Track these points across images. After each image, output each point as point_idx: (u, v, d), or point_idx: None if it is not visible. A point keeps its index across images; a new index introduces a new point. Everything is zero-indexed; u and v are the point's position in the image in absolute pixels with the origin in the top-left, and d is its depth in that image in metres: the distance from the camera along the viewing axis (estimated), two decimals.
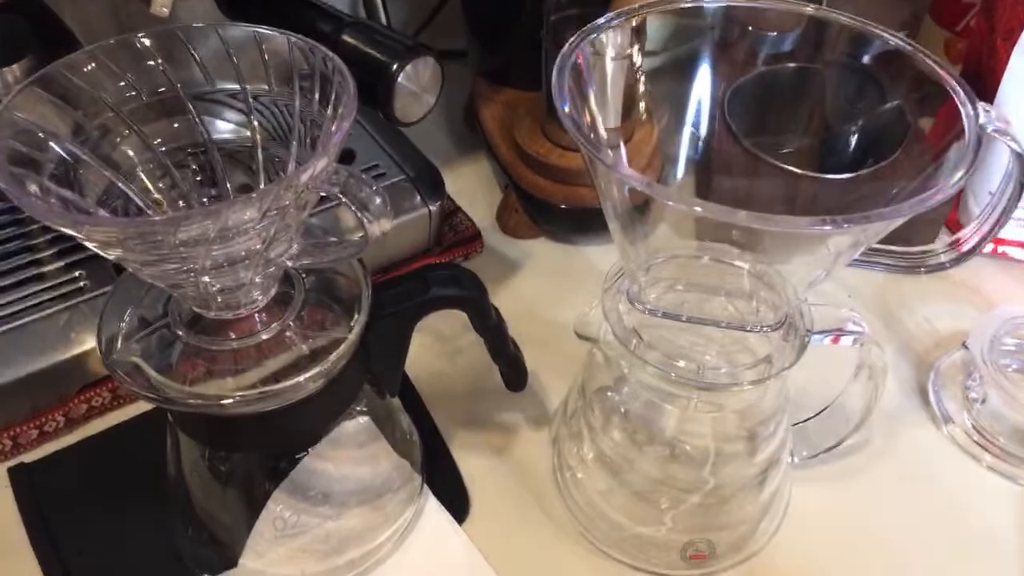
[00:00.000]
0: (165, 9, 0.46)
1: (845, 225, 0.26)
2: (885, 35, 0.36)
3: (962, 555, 0.43)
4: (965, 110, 0.31)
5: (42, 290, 0.46)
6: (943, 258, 0.37)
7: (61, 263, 0.47)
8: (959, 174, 0.29)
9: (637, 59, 0.44)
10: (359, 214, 0.28)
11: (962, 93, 0.32)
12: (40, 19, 0.45)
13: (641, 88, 0.50)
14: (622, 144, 0.45)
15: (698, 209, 0.27)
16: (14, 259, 0.47)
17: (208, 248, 0.28)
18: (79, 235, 0.26)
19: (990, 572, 0.42)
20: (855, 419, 0.43)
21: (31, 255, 0.47)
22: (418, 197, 0.54)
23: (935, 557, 0.43)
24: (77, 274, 0.47)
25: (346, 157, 0.55)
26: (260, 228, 0.28)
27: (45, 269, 0.47)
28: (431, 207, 0.54)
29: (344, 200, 0.28)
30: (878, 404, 0.42)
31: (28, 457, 0.45)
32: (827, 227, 0.26)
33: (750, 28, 0.46)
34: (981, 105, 0.31)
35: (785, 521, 0.44)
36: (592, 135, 0.35)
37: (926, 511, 0.44)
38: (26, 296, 0.46)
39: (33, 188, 0.28)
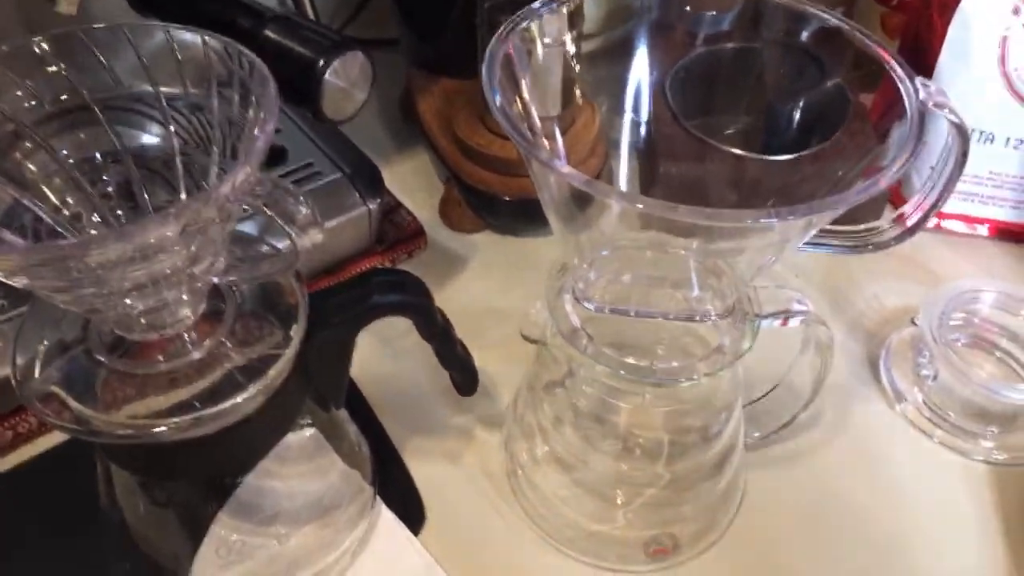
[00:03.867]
0: (72, 8, 0.43)
1: (790, 218, 0.25)
2: (822, 14, 0.35)
3: (917, 530, 0.43)
4: (904, 87, 0.31)
5: None
6: (888, 235, 0.37)
7: None
8: (904, 155, 0.28)
9: (571, 46, 0.43)
10: (286, 227, 0.26)
11: (900, 70, 0.32)
12: None
13: (578, 74, 0.49)
14: (558, 135, 0.44)
15: (639, 206, 0.26)
16: None
17: (125, 270, 0.26)
18: None
19: (945, 547, 0.42)
20: (804, 397, 0.43)
21: None
22: (356, 195, 0.52)
23: (891, 533, 0.43)
24: None
25: (278, 156, 0.53)
26: (181, 245, 0.27)
27: None
28: (370, 205, 0.52)
29: (269, 213, 0.26)
30: (826, 380, 0.41)
31: None
32: (772, 219, 0.25)
33: (687, 8, 0.45)
34: (919, 80, 0.31)
35: (743, 505, 0.43)
36: (527, 127, 0.34)
37: (880, 488, 0.45)
38: None
39: None
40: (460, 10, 0.55)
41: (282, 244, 0.30)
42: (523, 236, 0.57)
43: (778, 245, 0.33)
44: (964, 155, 0.30)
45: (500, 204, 0.55)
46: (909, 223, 0.34)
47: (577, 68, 0.47)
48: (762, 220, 0.26)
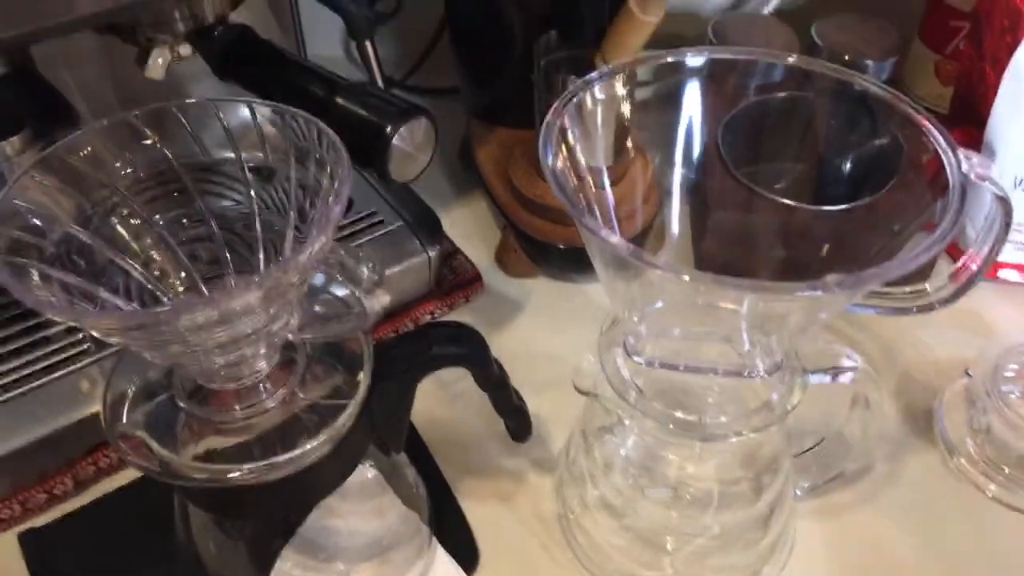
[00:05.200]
0: (160, 70, 0.46)
1: (835, 289, 0.26)
2: (865, 83, 0.36)
3: None
4: (947, 158, 0.32)
5: (46, 354, 0.46)
6: (932, 298, 0.37)
7: (64, 326, 0.47)
8: (946, 227, 0.29)
9: (625, 107, 0.44)
10: (356, 292, 0.28)
11: (942, 141, 0.32)
12: (36, 90, 0.46)
13: (633, 122, 0.50)
14: (608, 186, 0.45)
15: (685, 278, 0.27)
16: (18, 323, 0.47)
17: (210, 332, 0.28)
18: (80, 326, 0.27)
19: None
20: (855, 449, 0.43)
21: (35, 318, 0.48)
22: (417, 242, 0.54)
23: None
24: (81, 336, 0.47)
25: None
26: (262, 309, 0.29)
27: (49, 332, 0.47)
28: (430, 252, 0.54)
29: (340, 279, 0.28)
30: (874, 434, 0.42)
31: (38, 521, 0.45)
32: (817, 292, 0.27)
33: (739, 59, 0.46)
34: (962, 152, 0.32)
35: (792, 556, 0.44)
36: (575, 178, 0.35)
37: (932, 542, 0.44)
38: (31, 360, 0.46)
39: (34, 276, 0.28)
40: (518, 62, 0.57)
41: (348, 296, 0.32)
42: (577, 282, 0.59)
43: (826, 307, 0.33)
44: (1007, 226, 0.31)
45: (554, 252, 0.56)
46: (951, 290, 0.34)
47: (629, 117, 0.48)
48: (806, 293, 0.27)
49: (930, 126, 0.32)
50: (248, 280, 0.27)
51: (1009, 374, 0.49)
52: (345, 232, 0.55)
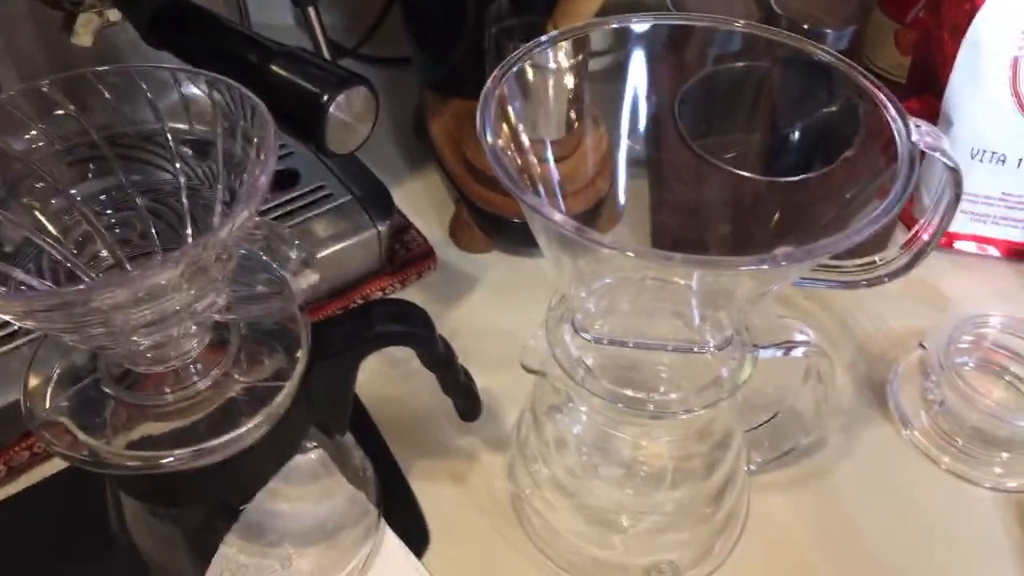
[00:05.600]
0: (87, 37, 0.44)
1: (783, 263, 0.26)
2: (814, 50, 0.35)
3: (924, 558, 0.43)
4: (896, 127, 0.31)
5: None
6: (880, 271, 0.37)
7: None
8: (893, 196, 0.28)
9: (572, 76, 0.43)
10: (282, 272, 0.27)
11: (892, 109, 0.31)
12: None
13: (583, 95, 0.49)
14: (552, 163, 0.44)
15: (630, 254, 0.26)
16: None
17: (130, 312, 0.27)
18: None
19: (952, 575, 0.42)
20: (808, 423, 0.43)
21: None
22: (366, 217, 0.53)
23: (896, 561, 0.43)
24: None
25: (290, 179, 0.54)
26: (184, 286, 0.27)
27: None
28: (380, 227, 0.52)
29: (265, 258, 0.26)
30: (827, 408, 0.41)
31: None
32: (764, 266, 0.26)
33: (694, 28, 0.45)
34: (913, 121, 0.31)
35: (745, 531, 0.44)
36: (519, 163, 0.34)
37: (886, 514, 0.44)
38: None
39: None
40: (470, 32, 0.56)
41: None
42: (532, 256, 0.58)
43: (776, 281, 0.33)
44: (958, 196, 0.30)
45: (509, 225, 0.55)
46: (902, 262, 0.34)
47: (579, 88, 0.47)
48: (754, 267, 0.26)
49: (881, 95, 0.31)
50: (166, 257, 0.25)
51: (963, 345, 0.49)
52: (293, 206, 0.53)
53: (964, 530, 0.44)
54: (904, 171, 0.28)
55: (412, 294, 0.55)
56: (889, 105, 0.30)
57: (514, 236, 0.57)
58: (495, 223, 0.56)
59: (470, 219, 0.57)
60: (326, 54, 0.50)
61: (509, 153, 0.33)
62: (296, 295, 0.28)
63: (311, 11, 0.50)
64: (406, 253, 0.56)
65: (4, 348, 0.44)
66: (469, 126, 0.57)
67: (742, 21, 0.36)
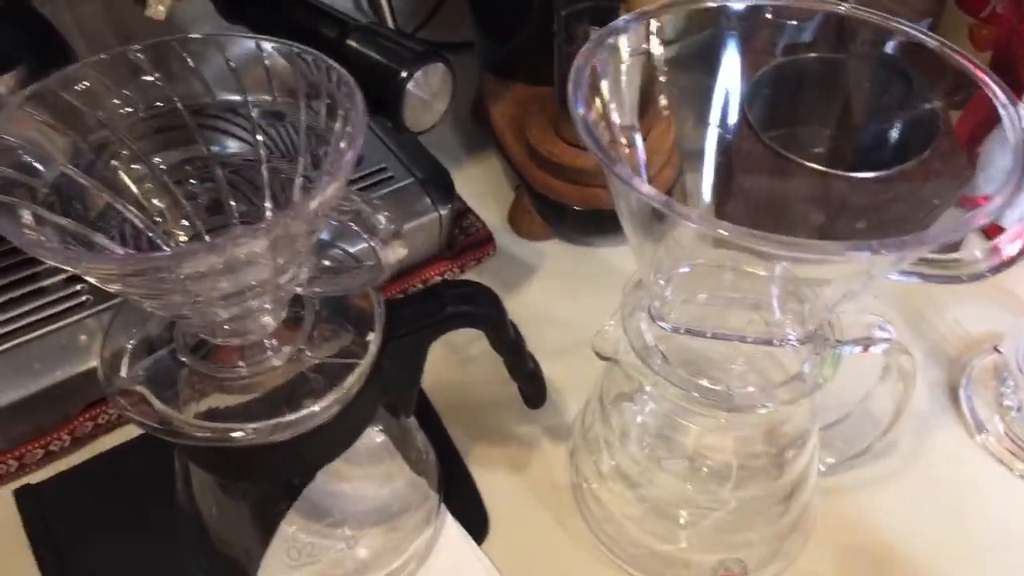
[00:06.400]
0: (161, 9, 0.44)
1: (881, 251, 0.24)
2: (909, 29, 0.34)
3: (994, 566, 0.41)
4: (1007, 113, 0.29)
5: (43, 305, 0.45)
6: (982, 266, 0.35)
7: (61, 276, 0.46)
8: (1008, 188, 0.27)
9: (655, 52, 0.42)
10: (371, 243, 0.26)
11: (1001, 94, 0.30)
12: (32, 26, 0.43)
13: (659, 82, 0.48)
14: (639, 143, 0.43)
15: (721, 231, 0.25)
16: (13, 273, 0.45)
17: (214, 282, 0.26)
18: (76, 271, 0.25)
19: None
20: (882, 424, 0.41)
21: (30, 268, 0.46)
22: (428, 200, 0.52)
23: (967, 568, 0.41)
24: (79, 287, 0.45)
25: None
26: (269, 258, 0.27)
27: (45, 283, 0.45)
28: (441, 211, 0.52)
29: (356, 228, 0.26)
30: (907, 409, 0.40)
31: (34, 478, 0.43)
32: (862, 252, 0.25)
33: (768, 16, 0.44)
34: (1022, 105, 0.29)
35: (815, 533, 0.42)
36: (608, 139, 0.33)
37: (957, 520, 0.43)
38: (26, 312, 0.44)
39: (27, 217, 0.26)
40: (536, 15, 0.55)
41: (359, 251, 0.30)
42: (592, 246, 0.57)
43: (866, 275, 0.32)
44: None
45: (569, 213, 0.54)
46: (1006, 254, 0.32)
47: (658, 76, 0.46)
48: (848, 253, 0.25)
49: (984, 76, 0.30)
50: (255, 227, 0.25)
51: None
52: (354, 188, 0.52)
53: None
54: (1020, 158, 0.26)
55: (471, 280, 0.54)
56: (996, 89, 0.29)
57: (575, 224, 0.56)
58: (556, 210, 0.55)
59: (530, 206, 0.56)
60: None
61: (601, 127, 0.32)
62: (385, 268, 0.27)
63: None
64: (465, 239, 0.56)
65: (70, 319, 0.44)
66: (533, 111, 0.56)
67: (829, 3, 0.35)
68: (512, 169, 0.58)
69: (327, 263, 0.31)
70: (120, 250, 0.29)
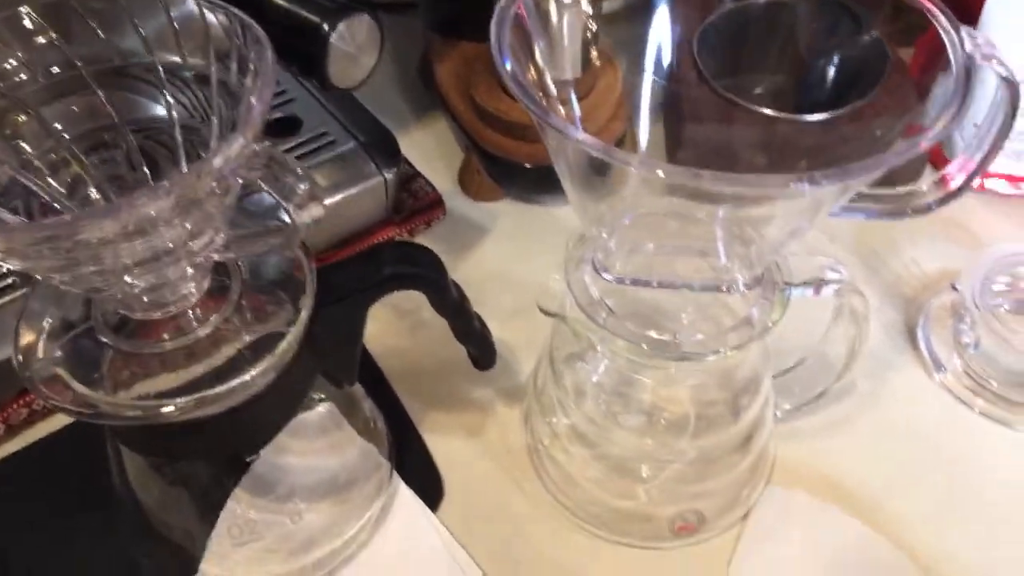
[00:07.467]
0: None
1: (823, 182, 0.24)
2: None
3: (957, 504, 0.41)
4: (949, 38, 0.29)
5: None
6: (929, 199, 0.34)
7: None
8: (949, 113, 0.26)
9: (588, 6, 0.41)
10: (283, 204, 0.25)
11: (944, 19, 0.29)
12: None
13: (598, 34, 0.47)
14: (575, 100, 0.42)
15: (660, 173, 0.24)
16: None
17: (120, 246, 0.25)
18: None
19: (985, 521, 0.41)
20: (838, 367, 0.41)
21: None
22: (372, 164, 0.51)
23: (929, 508, 0.41)
24: (5, 268, 0.43)
25: (291, 126, 0.52)
26: (178, 220, 0.25)
27: None
28: (386, 174, 0.50)
29: (265, 188, 0.24)
30: (861, 350, 0.40)
31: None
32: (803, 185, 0.24)
33: None
34: (965, 30, 0.29)
35: (772, 479, 0.42)
36: (541, 93, 0.32)
37: (918, 460, 0.43)
38: None
39: None
40: None
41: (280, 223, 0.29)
42: (544, 205, 0.56)
43: (811, 211, 0.31)
44: (1014, 111, 0.28)
45: (520, 172, 0.53)
46: (953, 186, 0.32)
47: (596, 28, 0.45)
48: (792, 186, 0.24)
49: (928, 3, 0.29)
50: (156, 187, 0.23)
51: (998, 287, 0.47)
52: (295, 154, 0.51)
53: (998, 474, 0.42)
54: (961, 84, 0.26)
55: (409, 240, 0.53)
56: (939, 14, 0.28)
57: (525, 183, 0.55)
58: (506, 170, 0.53)
59: (480, 166, 0.55)
60: None
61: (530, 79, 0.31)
62: (299, 230, 0.26)
63: None
64: (413, 202, 0.54)
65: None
66: (478, 68, 0.54)
67: None
68: (460, 129, 0.56)
69: (248, 227, 0.29)
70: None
